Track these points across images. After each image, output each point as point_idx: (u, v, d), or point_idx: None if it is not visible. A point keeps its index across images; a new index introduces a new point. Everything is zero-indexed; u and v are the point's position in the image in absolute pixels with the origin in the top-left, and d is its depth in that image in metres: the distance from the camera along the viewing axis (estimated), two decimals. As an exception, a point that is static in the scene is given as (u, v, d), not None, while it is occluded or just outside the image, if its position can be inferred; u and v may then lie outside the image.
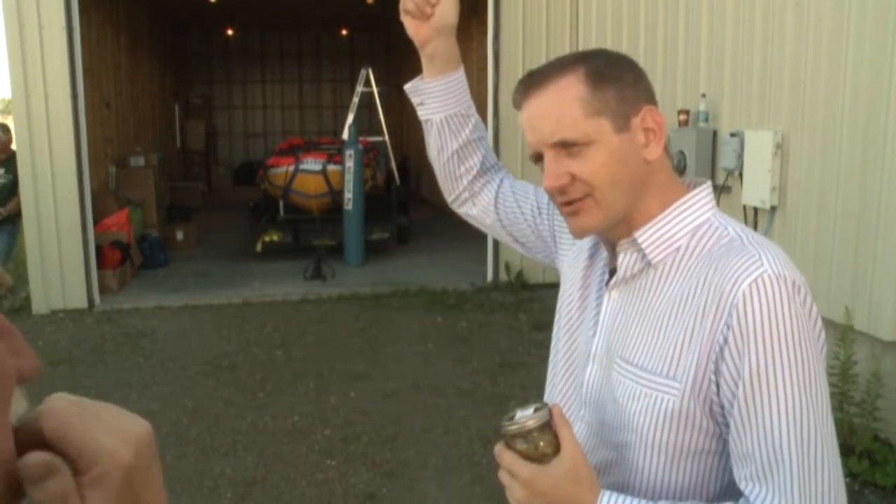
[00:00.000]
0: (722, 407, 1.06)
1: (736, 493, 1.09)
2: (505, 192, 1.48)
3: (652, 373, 1.11)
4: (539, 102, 1.14)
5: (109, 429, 0.48)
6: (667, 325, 1.12)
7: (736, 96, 4.89)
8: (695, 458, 1.10)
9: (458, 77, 1.45)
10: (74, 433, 0.47)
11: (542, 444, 1.05)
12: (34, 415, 0.48)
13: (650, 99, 1.16)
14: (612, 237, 1.21)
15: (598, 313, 1.23)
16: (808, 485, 1.00)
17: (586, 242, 1.33)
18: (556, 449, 1.05)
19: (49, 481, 0.45)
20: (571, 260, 1.36)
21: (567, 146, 1.11)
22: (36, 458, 0.45)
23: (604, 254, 1.27)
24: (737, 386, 1.03)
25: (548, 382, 1.39)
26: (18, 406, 0.47)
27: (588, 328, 1.26)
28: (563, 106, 1.11)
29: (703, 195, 1.17)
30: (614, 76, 1.13)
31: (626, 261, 1.18)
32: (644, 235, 1.15)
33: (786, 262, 1.06)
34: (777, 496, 1.01)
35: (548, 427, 1.06)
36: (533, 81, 1.15)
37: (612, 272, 1.22)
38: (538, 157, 1.16)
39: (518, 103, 1.18)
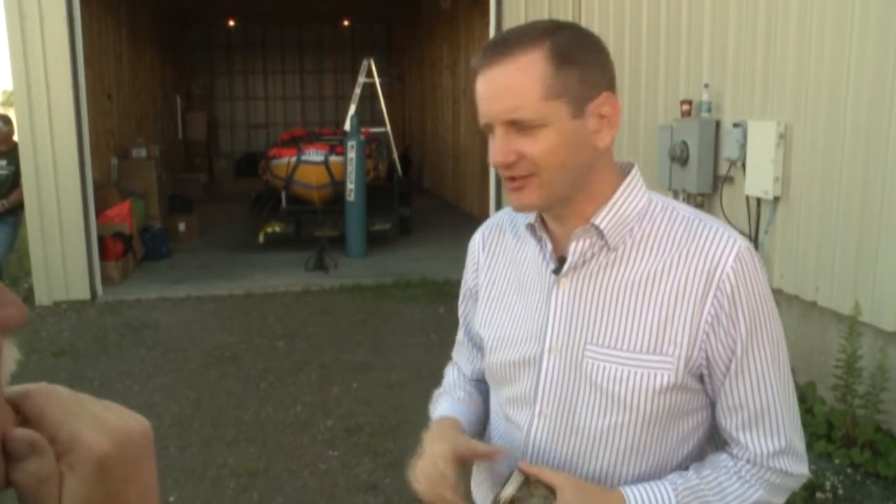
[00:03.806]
0: (708, 368, 1.14)
1: (703, 447, 1.23)
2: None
3: (636, 352, 1.14)
4: (500, 75, 1.09)
5: (91, 420, 0.47)
6: (641, 304, 1.14)
7: (739, 86, 4.87)
8: (683, 419, 1.18)
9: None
10: (50, 417, 0.46)
11: (536, 495, 1.12)
12: (20, 393, 0.47)
13: (610, 85, 1.14)
14: (563, 223, 1.20)
15: (547, 305, 1.21)
16: (791, 418, 1.18)
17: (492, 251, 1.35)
18: (552, 490, 1.11)
19: (30, 461, 0.44)
20: (484, 272, 1.36)
21: (520, 125, 1.09)
22: (22, 433, 0.44)
23: (532, 243, 1.26)
24: (734, 350, 1.13)
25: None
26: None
27: (530, 321, 1.24)
28: (524, 84, 1.08)
29: (638, 177, 1.20)
30: (579, 59, 1.10)
31: (578, 247, 1.18)
32: (604, 221, 1.16)
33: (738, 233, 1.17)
34: (768, 435, 1.16)
35: (529, 482, 1.13)
36: (497, 51, 1.10)
37: (559, 263, 1.21)
38: (489, 128, 1.13)
39: (478, 68, 1.12)
